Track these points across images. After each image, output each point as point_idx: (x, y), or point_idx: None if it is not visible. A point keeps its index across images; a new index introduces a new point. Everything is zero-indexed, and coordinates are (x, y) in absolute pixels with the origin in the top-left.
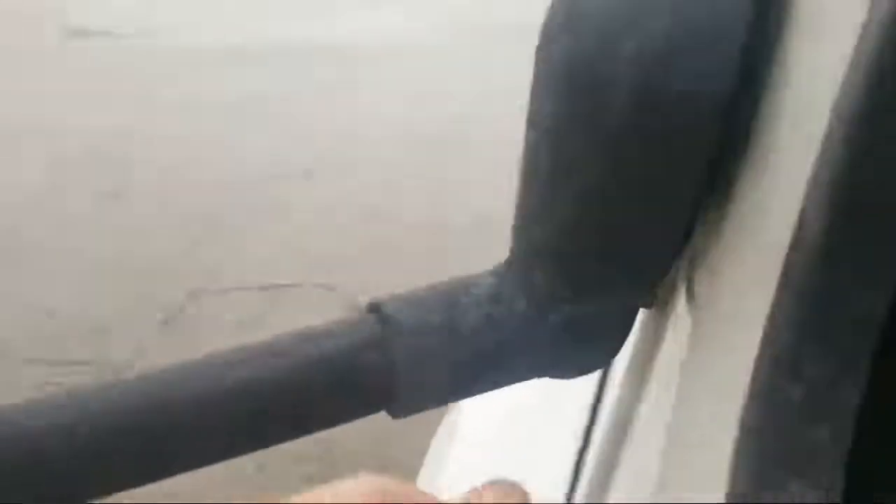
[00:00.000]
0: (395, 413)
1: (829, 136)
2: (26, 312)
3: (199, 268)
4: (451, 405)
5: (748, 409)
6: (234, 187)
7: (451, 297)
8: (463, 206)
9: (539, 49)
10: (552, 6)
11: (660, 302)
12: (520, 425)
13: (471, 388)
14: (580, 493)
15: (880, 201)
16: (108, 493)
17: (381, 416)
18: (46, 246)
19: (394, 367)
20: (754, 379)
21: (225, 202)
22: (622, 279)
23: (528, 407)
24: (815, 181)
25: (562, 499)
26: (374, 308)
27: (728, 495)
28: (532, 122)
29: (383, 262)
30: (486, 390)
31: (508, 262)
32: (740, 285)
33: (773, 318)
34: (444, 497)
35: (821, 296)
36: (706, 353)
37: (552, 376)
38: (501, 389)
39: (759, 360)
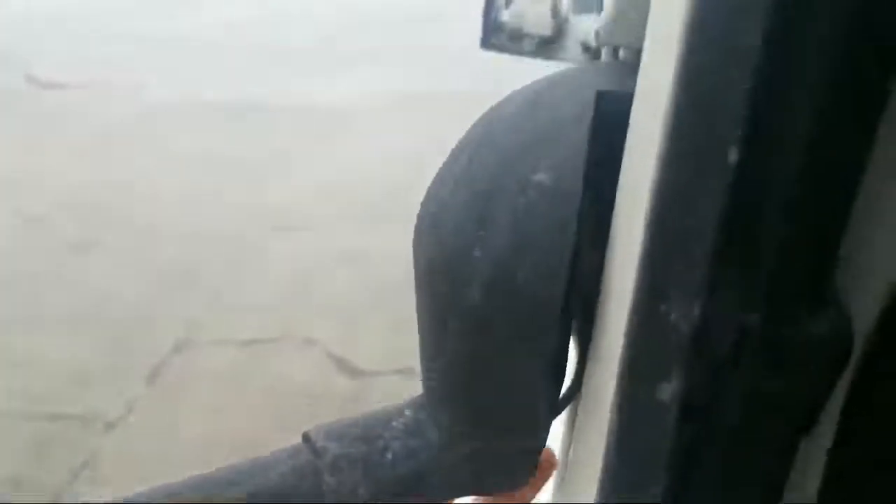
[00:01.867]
0: None
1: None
2: (8, 367)
3: (178, 321)
4: None
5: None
6: (210, 241)
7: (373, 430)
8: None
9: (413, 242)
10: (421, 208)
11: None
12: None
13: None
14: None
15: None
16: None
17: None
18: (20, 300)
19: (321, 495)
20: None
21: (201, 256)
22: (508, 425)
23: None
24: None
25: None
26: (307, 439)
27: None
28: (416, 297)
29: (364, 315)
30: None
31: (422, 397)
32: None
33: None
34: None
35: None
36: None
37: (473, 495)
38: None
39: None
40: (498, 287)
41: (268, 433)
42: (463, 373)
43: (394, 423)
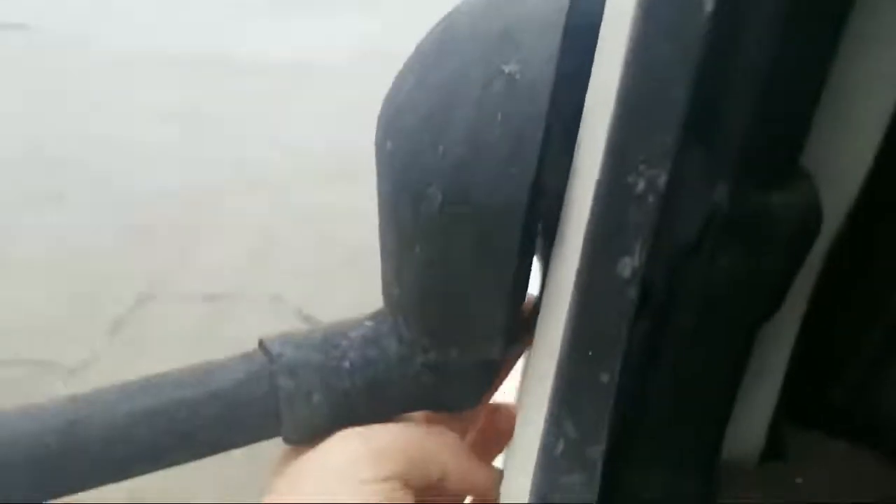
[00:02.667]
0: (286, 439)
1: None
2: None
3: (142, 275)
4: None
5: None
6: (177, 195)
7: (332, 339)
8: None
9: (376, 143)
10: (382, 109)
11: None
12: None
13: (349, 417)
14: None
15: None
16: None
17: None
18: None
19: (277, 399)
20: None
21: (165, 210)
22: (468, 335)
23: None
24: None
25: None
26: (262, 346)
27: None
28: (379, 201)
29: (330, 272)
30: (366, 421)
31: (383, 309)
32: (543, 349)
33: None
34: None
35: (572, 375)
36: (531, 396)
37: (429, 409)
38: None
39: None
40: (458, 190)
41: None
42: (423, 282)
43: (352, 334)
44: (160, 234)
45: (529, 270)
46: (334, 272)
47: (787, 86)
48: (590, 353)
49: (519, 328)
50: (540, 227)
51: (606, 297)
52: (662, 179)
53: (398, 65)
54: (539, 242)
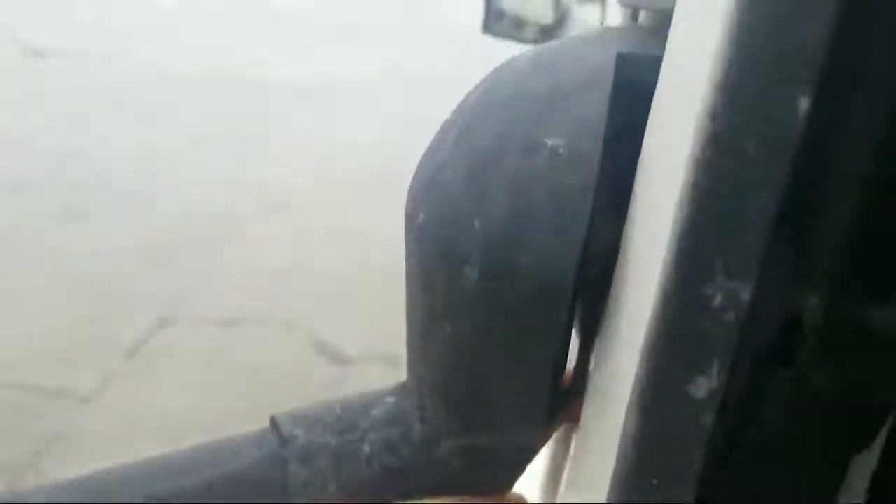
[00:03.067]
0: None
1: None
2: None
3: (161, 298)
4: None
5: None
6: (196, 217)
7: (349, 418)
8: None
9: (406, 213)
10: (414, 177)
11: None
12: None
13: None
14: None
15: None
16: None
17: None
18: (2, 268)
19: (287, 487)
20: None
21: (186, 232)
22: (502, 420)
23: None
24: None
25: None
26: (274, 425)
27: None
28: (407, 273)
29: (349, 299)
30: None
31: (406, 385)
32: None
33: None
34: None
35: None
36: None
37: (455, 493)
38: None
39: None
40: (497, 267)
41: (245, 414)
42: (455, 360)
43: (373, 412)
44: (181, 255)
45: (569, 346)
46: (353, 298)
47: (891, 191)
48: (654, 483)
49: (557, 404)
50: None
51: (677, 422)
52: (746, 294)
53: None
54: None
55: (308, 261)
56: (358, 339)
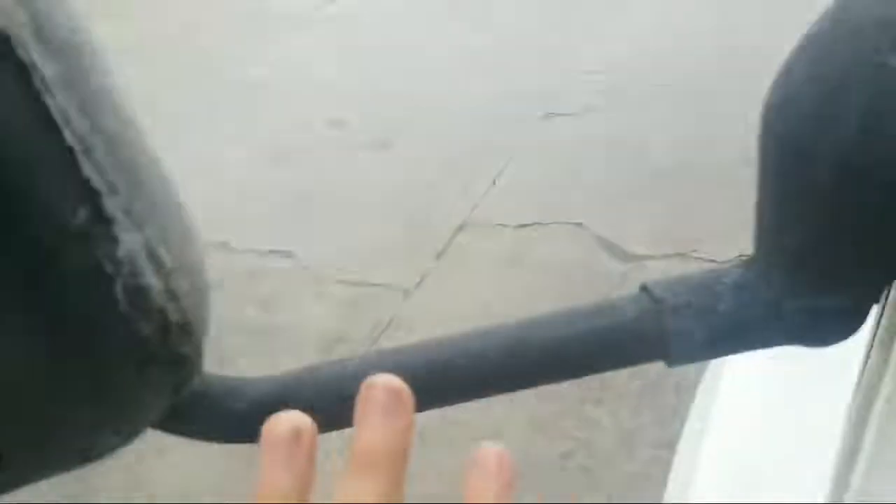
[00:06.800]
0: (670, 363)
1: None
2: (326, 244)
3: (461, 207)
4: (688, 428)
5: None
6: (484, 127)
7: (706, 283)
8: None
9: (761, 132)
10: (771, 88)
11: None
12: (774, 422)
13: (725, 352)
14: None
15: None
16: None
17: None
18: (337, 193)
19: (665, 335)
20: None
21: (475, 145)
22: (851, 283)
23: (781, 405)
24: None
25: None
26: (645, 289)
27: None
28: (760, 163)
29: (634, 202)
30: (738, 353)
31: (753, 258)
32: None
33: None
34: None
35: None
36: None
37: (794, 345)
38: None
39: None
40: (848, 171)
41: (545, 304)
42: (806, 243)
43: (724, 280)
44: (467, 170)
45: None
46: (638, 201)
47: None
48: None
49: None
50: None
51: None
52: None
53: None
54: None
55: (592, 167)
56: (643, 239)
